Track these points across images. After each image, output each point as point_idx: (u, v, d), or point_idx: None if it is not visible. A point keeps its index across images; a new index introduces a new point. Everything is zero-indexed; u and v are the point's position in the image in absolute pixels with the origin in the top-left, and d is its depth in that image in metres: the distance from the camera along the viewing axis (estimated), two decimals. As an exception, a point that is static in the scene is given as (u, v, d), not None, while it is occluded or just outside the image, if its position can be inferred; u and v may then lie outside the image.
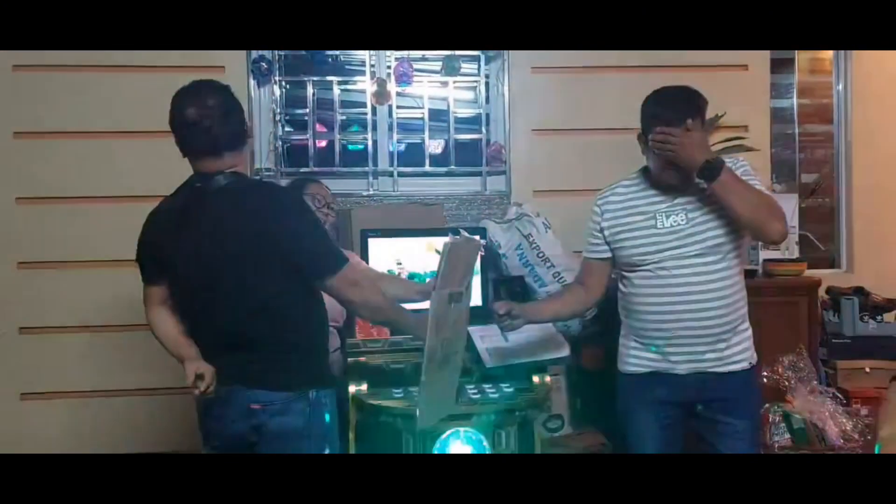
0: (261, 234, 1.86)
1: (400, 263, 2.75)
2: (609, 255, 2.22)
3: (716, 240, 2.09)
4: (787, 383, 2.79)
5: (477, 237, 2.20)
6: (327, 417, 1.97)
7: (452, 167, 3.41)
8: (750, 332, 2.17)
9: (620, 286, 2.24)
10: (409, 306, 2.11)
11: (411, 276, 2.69)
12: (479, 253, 2.28)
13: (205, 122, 1.87)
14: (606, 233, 2.21)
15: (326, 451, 1.98)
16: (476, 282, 2.88)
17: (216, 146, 1.89)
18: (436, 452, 2.20)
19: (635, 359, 2.20)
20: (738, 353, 2.13)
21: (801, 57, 3.78)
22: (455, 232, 1.93)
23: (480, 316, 2.78)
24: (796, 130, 3.84)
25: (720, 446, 2.14)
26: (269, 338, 1.91)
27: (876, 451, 2.35)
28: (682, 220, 2.11)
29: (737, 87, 3.36)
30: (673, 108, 2.06)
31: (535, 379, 2.40)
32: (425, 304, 2.11)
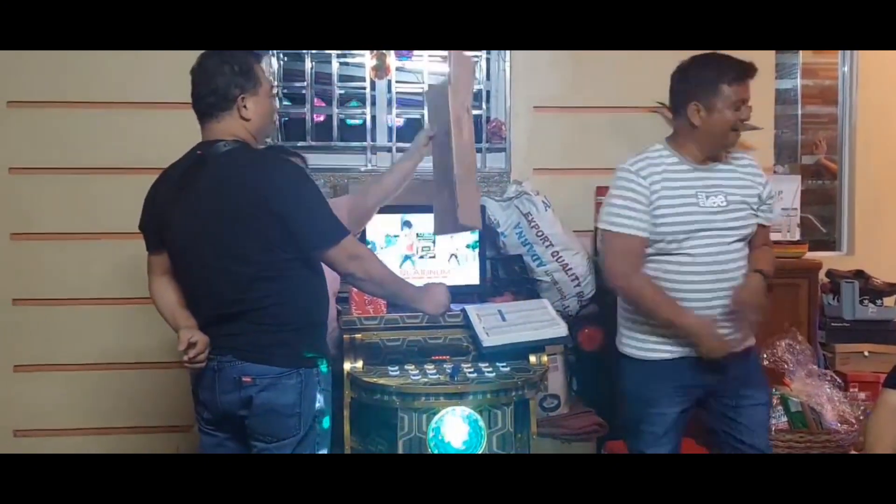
0: (258, 202, 1.83)
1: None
2: (648, 231, 2.06)
3: (748, 228, 2.11)
4: (785, 366, 2.79)
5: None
6: (320, 396, 1.93)
7: (452, 143, 3.36)
8: None
9: None
10: (412, 280, 2.09)
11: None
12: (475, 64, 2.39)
13: (198, 79, 1.91)
14: (654, 196, 2.05)
15: (317, 430, 1.94)
16: (474, 260, 2.89)
17: (207, 106, 1.91)
18: (431, 432, 2.19)
19: (660, 345, 2.11)
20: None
21: (807, 37, 3.74)
22: None
23: (477, 294, 2.79)
24: (799, 112, 3.81)
25: (743, 419, 2.12)
26: (263, 310, 1.88)
27: None
28: (723, 202, 2.08)
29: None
30: (726, 67, 2.04)
31: (533, 359, 2.39)
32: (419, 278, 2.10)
